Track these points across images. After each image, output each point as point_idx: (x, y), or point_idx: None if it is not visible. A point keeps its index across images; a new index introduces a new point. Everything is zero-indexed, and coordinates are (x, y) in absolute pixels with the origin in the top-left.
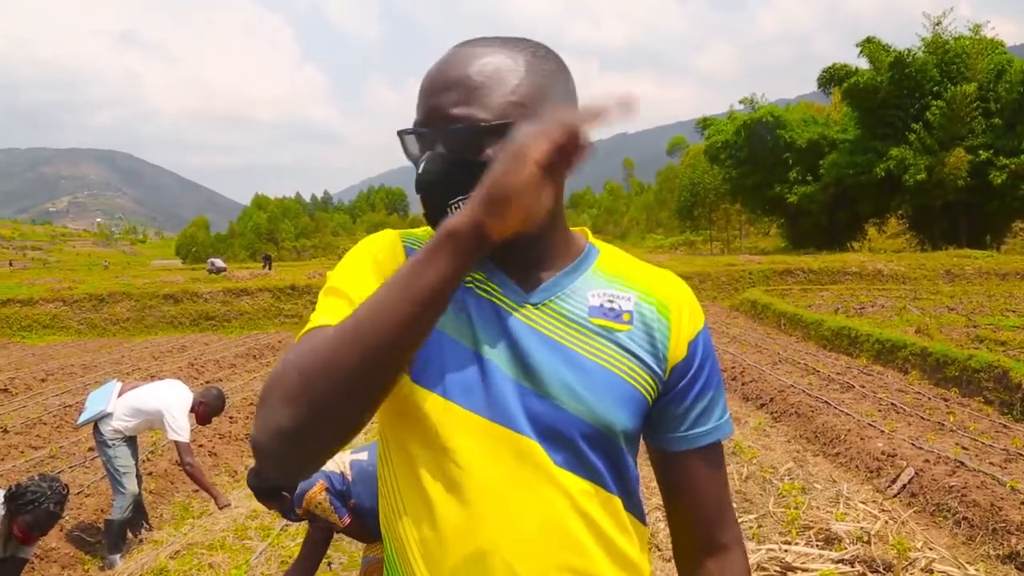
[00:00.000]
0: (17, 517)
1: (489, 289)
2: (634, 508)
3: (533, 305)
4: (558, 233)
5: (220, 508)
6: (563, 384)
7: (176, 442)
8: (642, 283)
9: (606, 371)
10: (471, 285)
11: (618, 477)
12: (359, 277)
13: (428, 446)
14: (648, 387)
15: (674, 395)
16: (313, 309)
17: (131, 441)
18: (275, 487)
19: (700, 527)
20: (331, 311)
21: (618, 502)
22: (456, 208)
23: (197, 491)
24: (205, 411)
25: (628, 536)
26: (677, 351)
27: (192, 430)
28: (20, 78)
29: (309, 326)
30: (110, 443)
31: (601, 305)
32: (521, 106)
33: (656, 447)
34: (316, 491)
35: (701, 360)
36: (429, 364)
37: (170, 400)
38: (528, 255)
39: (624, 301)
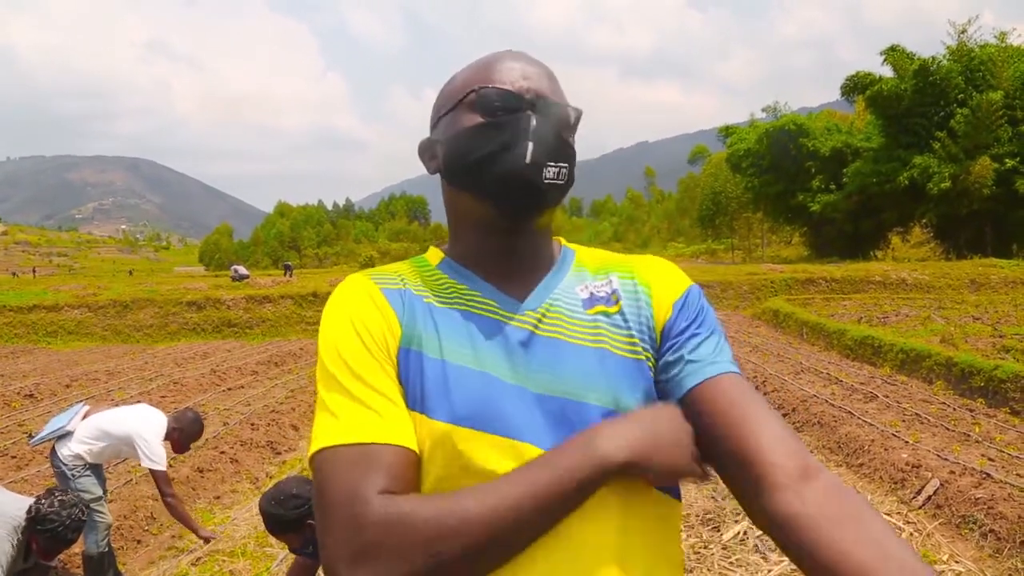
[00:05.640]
0: (35, 536)
1: (487, 307)
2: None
3: (532, 311)
4: (545, 242)
5: (203, 541)
6: (576, 377)
7: (152, 471)
8: (619, 267)
9: (611, 354)
10: (468, 307)
11: None
12: (366, 370)
13: (451, 474)
14: (649, 356)
15: (670, 347)
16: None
17: (96, 469)
18: (300, 517)
19: (765, 460)
20: (356, 423)
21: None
22: (549, 171)
23: (219, 497)
24: (180, 437)
25: (662, 521)
26: (661, 313)
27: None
28: (47, 88)
29: (340, 439)
30: (71, 473)
31: (591, 295)
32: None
33: (679, 402)
34: None
35: (689, 311)
36: (443, 397)
37: (141, 425)
38: (520, 266)
39: (606, 286)
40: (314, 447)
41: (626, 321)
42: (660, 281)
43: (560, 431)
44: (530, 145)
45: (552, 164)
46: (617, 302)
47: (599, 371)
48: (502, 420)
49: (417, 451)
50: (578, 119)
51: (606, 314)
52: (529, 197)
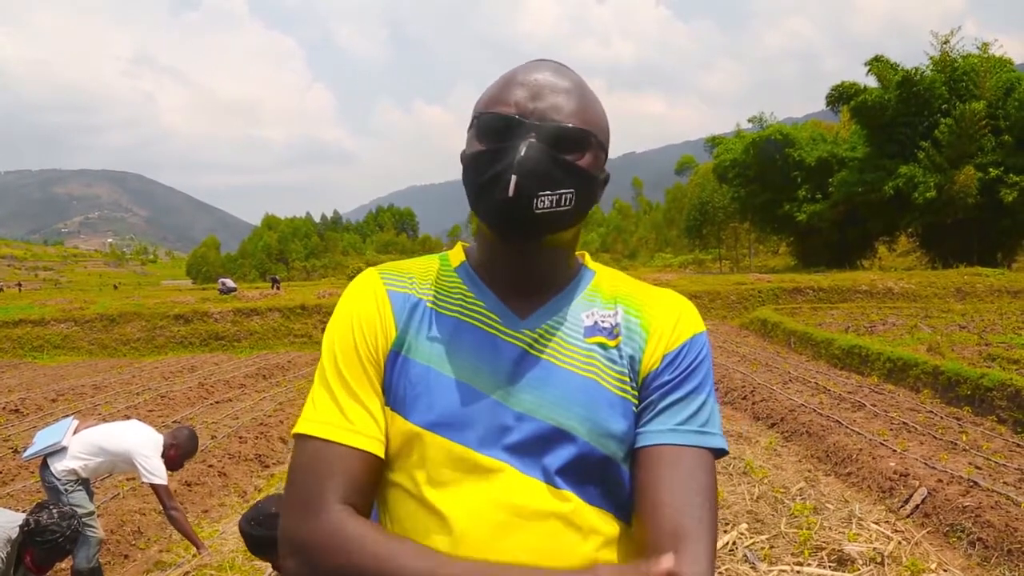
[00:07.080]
0: (31, 549)
1: (488, 319)
2: (627, 518)
3: (530, 330)
4: (562, 261)
5: (202, 556)
6: (559, 402)
7: (154, 486)
8: (630, 300)
9: (599, 386)
10: (468, 317)
11: (614, 493)
12: (351, 373)
13: (420, 481)
14: (633, 397)
15: (645, 397)
16: (320, 338)
17: (86, 484)
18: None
19: (651, 544)
20: (329, 421)
21: (610, 517)
22: (542, 201)
23: (207, 511)
24: (177, 454)
25: (615, 547)
26: (649, 362)
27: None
28: (33, 101)
29: (314, 431)
30: (64, 488)
31: (595, 324)
32: (592, 124)
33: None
34: None
35: (679, 365)
36: (421, 400)
37: (140, 441)
38: (530, 283)
39: (612, 317)
40: (295, 428)
41: (621, 358)
42: (662, 328)
43: (529, 453)
44: (513, 179)
45: (548, 193)
46: (617, 336)
47: (583, 400)
48: (472, 432)
49: (381, 456)
50: (591, 137)
51: (603, 346)
52: (518, 228)
